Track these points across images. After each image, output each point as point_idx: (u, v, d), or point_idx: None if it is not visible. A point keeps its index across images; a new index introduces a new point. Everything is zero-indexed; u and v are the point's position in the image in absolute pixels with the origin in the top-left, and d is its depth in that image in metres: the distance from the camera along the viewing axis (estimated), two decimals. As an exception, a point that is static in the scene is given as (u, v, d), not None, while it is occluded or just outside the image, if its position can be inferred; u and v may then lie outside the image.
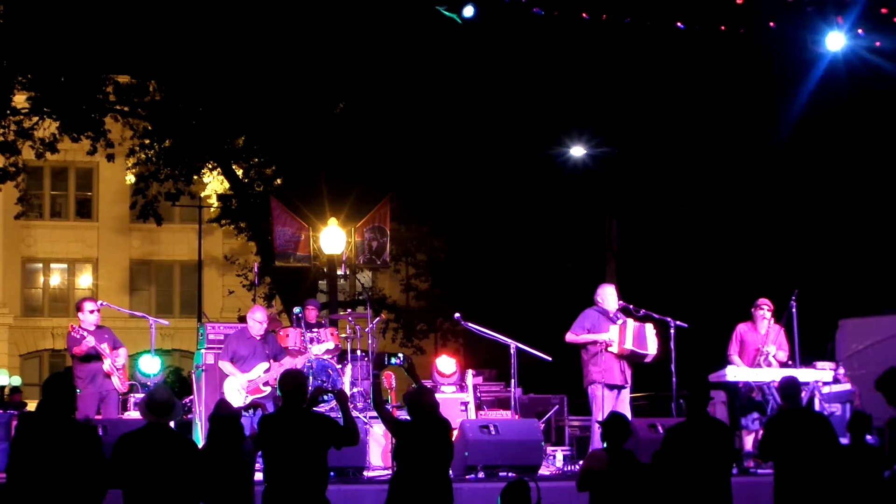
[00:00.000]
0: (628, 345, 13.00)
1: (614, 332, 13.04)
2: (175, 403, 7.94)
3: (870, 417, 10.04)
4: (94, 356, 12.85)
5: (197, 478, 7.78)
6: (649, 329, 13.15)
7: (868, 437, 10.10)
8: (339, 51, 24.48)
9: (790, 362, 13.73)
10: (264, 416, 8.46)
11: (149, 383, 15.15)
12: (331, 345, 14.40)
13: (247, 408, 12.87)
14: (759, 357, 13.50)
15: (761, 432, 13.20)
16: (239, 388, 13.06)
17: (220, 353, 13.80)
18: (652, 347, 13.12)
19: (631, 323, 13.13)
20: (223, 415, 8.95)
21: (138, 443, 7.72)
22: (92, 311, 13.10)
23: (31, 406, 22.60)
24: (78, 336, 12.81)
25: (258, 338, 13.38)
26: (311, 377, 14.00)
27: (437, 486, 8.38)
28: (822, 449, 9.22)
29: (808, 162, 24.65)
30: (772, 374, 13.22)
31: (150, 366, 14.14)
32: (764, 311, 13.68)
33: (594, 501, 8.80)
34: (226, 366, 13.31)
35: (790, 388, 9.61)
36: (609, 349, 12.97)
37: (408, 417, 8.86)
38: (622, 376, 13.07)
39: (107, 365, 12.83)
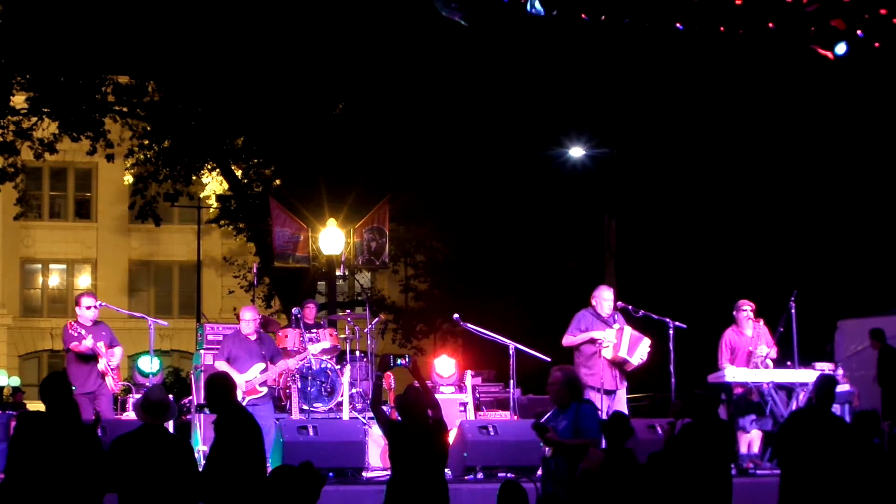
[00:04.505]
0: (622, 352, 12.91)
1: (611, 334, 12.99)
2: (170, 404, 7.92)
3: (877, 418, 9.97)
4: (91, 356, 12.75)
5: (192, 478, 7.75)
6: (645, 343, 13.06)
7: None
8: (338, 51, 24.48)
9: (788, 363, 13.71)
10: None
11: (147, 383, 15.09)
12: (327, 344, 14.40)
13: None
14: (755, 359, 13.45)
15: (759, 434, 13.27)
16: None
17: (217, 353, 13.79)
18: (637, 359, 13.03)
19: (628, 330, 13.06)
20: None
21: (133, 444, 7.70)
22: (89, 308, 12.93)
23: (30, 407, 22.64)
24: (75, 334, 12.63)
25: (252, 338, 13.37)
26: (309, 378, 14.04)
27: (430, 488, 8.33)
28: (833, 452, 9.15)
29: (806, 163, 24.68)
30: (770, 375, 13.21)
31: (149, 366, 14.12)
32: (747, 311, 13.58)
33: (591, 501, 8.80)
34: (223, 366, 13.27)
35: (826, 386, 9.48)
36: (605, 350, 12.89)
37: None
38: (614, 381, 13.00)
39: (101, 365, 12.65)
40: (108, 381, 12.75)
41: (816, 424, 9.26)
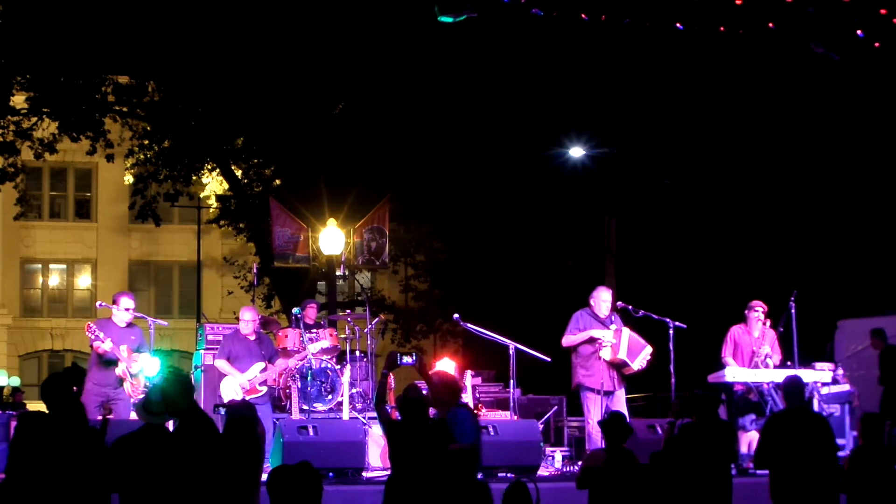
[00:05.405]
0: (622, 354, 12.89)
1: (609, 334, 12.97)
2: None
3: (882, 418, 9.96)
4: (112, 359, 12.45)
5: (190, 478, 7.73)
6: (647, 350, 13.02)
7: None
8: (338, 51, 24.48)
9: (789, 363, 13.71)
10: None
11: (147, 384, 15.04)
12: (326, 343, 14.42)
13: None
14: (756, 358, 13.46)
15: (758, 434, 13.27)
16: (236, 387, 13.10)
17: (218, 353, 13.80)
18: (638, 364, 13.02)
19: (627, 332, 13.04)
20: (241, 414, 8.77)
21: (134, 445, 7.68)
22: (127, 309, 12.73)
23: (30, 407, 22.64)
24: (92, 336, 12.40)
25: (251, 338, 13.40)
26: (309, 378, 14.05)
27: (430, 488, 8.31)
28: (818, 451, 9.17)
29: (806, 163, 24.68)
30: (770, 375, 13.20)
31: (150, 366, 14.06)
32: (758, 312, 13.60)
33: (593, 500, 8.81)
34: (223, 365, 13.34)
35: (793, 387, 9.55)
36: (603, 351, 12.87)
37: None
38: (612, 383, 13.00)
39: (120, 369, 12.42)
40: (126, 385, 12.47)
41: (795, 425, 9.26)
